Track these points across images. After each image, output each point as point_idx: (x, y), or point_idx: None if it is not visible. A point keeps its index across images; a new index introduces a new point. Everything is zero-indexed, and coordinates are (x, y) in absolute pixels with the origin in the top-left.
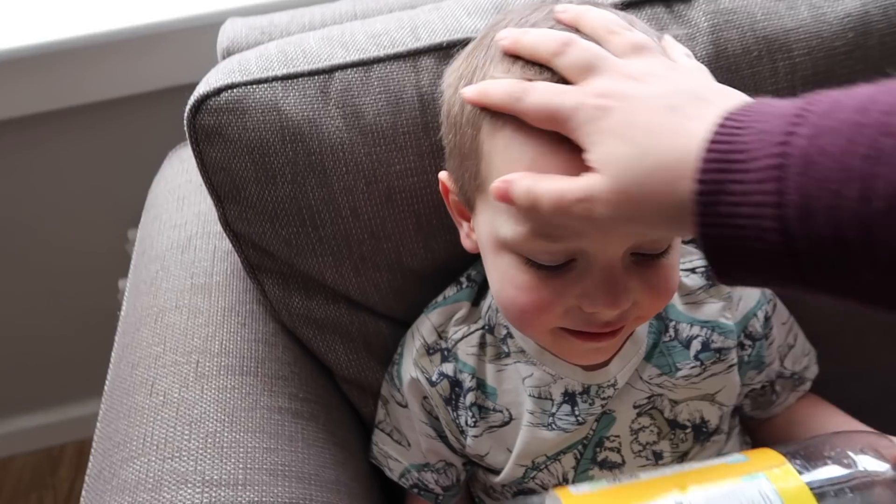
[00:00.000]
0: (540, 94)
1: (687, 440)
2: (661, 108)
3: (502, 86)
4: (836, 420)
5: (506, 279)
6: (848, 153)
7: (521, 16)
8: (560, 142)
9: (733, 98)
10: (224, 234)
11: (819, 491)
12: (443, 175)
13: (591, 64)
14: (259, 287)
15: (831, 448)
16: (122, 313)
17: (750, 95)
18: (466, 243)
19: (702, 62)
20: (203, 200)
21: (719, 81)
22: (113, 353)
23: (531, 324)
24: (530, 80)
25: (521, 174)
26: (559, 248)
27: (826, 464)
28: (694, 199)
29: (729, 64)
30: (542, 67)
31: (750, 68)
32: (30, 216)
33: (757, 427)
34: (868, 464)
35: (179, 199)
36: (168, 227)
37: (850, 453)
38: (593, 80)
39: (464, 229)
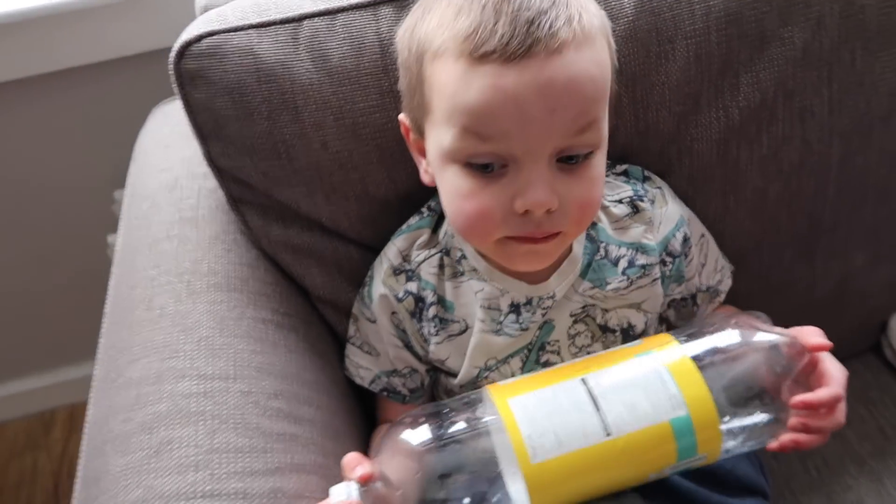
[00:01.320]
0: None
1: (617, 342)
2: None
3: None
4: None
5: (452, 190)
6: None
7: None
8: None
9: None
10: (207, 175)
11: (701, 362)
12: (402, 116)
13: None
14: (241, 218)
15: (712, 326)
16: (118, 246)
17: (670, 36)
18: (425, 178)
19: (627, 5)
20: (187, 146)
21: (644, 24)
22: (111, 281)
23: (478, 231)
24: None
25: None
26: (489, 148)
27: (706, 338)
28: None
29: (652, 7)
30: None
31: (670, 11)
32: (15, 180)
33: None
34: (743, 336)
35: (165, 146)
36: (156, 171)
37: (728, 328)
38: None
39: (422, 165)
